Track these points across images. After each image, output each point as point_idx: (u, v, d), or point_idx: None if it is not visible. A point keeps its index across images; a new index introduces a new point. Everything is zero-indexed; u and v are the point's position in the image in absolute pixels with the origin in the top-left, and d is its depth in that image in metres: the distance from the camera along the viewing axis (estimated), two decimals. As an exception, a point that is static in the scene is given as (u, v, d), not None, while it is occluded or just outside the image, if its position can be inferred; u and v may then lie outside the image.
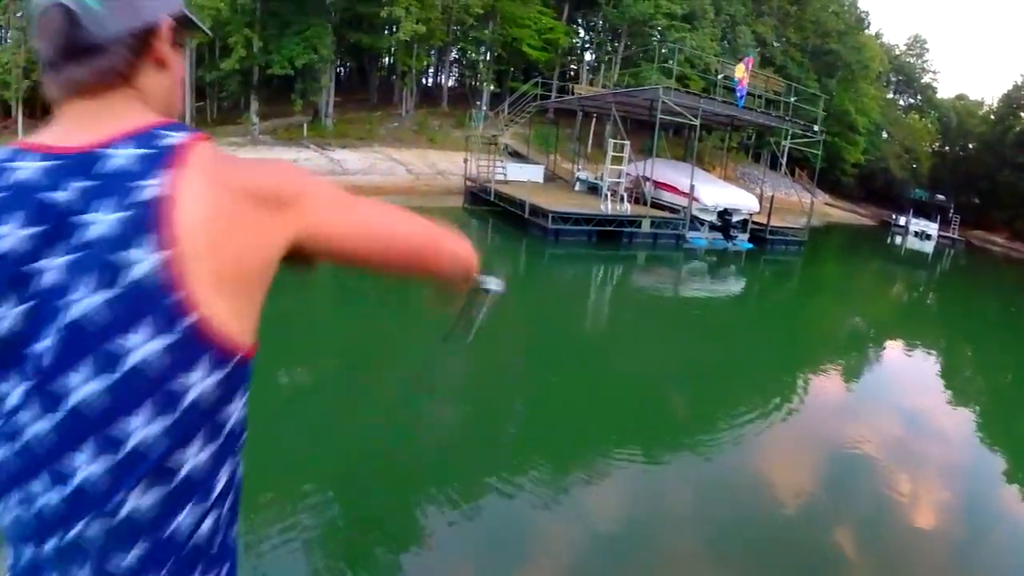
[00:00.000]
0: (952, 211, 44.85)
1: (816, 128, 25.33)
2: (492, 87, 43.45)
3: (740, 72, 22.41)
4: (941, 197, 46.57)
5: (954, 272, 33.77)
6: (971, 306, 22.75)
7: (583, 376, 9.88)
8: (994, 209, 47.37)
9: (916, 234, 42.94)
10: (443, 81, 47.29)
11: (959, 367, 14.22)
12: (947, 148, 58.45)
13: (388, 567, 4.95)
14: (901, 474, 7.34)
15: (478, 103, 42.45)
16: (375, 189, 28.75)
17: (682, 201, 22.29)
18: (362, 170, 30.19)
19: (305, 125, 35.88)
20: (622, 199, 21.01)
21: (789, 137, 25.30)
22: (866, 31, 53.69)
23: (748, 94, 23.64)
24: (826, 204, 47.09)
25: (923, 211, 45.07)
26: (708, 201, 22.26)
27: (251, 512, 5.22)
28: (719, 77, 24.70)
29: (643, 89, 23.44)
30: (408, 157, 33.20)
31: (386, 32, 40.05)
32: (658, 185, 23.14)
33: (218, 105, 41.59)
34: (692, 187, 21.69)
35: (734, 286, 19.91)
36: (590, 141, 40.65)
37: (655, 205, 22.35)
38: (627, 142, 21.68)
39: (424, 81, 47.23)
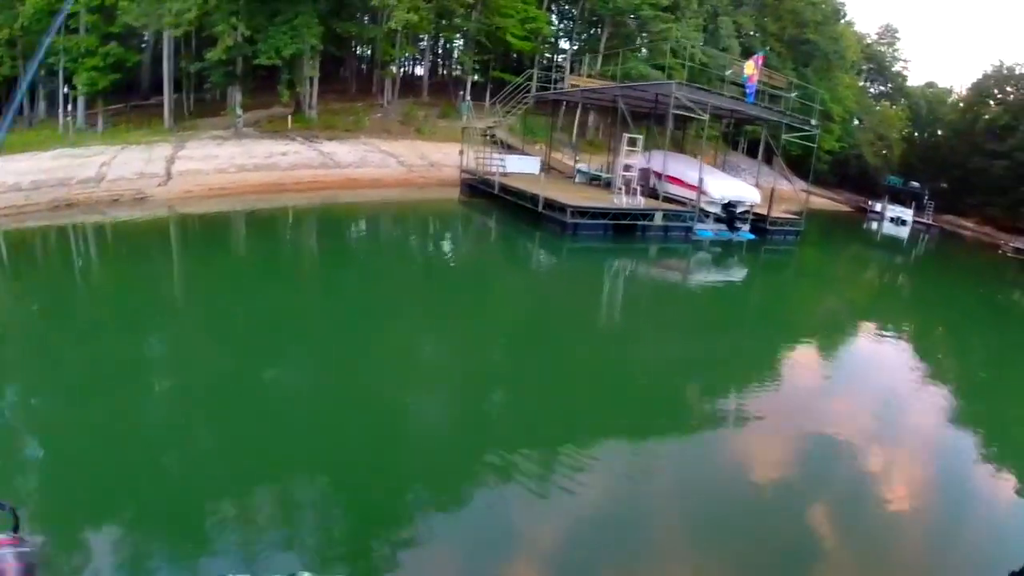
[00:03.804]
0: (927, 197, 45.86)
1: (813, 123, 25.75)
2: (476, 77, 43.07)
3: (751, 69, 22.65)
4: (915, 184, 47.56)
5: (934, 257, 34.99)
6: (951, 291, 23.91)
7: (628, 365, 10.38)
8: (965, 195, 48.59)
9: (892, 220, 44.00)
10: (424, 71, 46.76)
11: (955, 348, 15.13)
12: (917, 135, 59.69)
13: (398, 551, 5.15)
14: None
15: (461, 93, 42.13)
16: (372, 181, 28.45)
17: (689, 194, 22.52)
18: (354, 163, 29.75)
19: (290, 117, 35.21)
20: (635, 192, 21.09)
21: (785, 131, 25.62)
22: (842, 22, 54.47)
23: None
24: (802, 191, 47.68)
25: (897, 198, 46.05)
26: (715, 194, 22.50)
27: (245, 503, 5.50)
28: (727, 72, 24.78)
29: (655, 84, 23.51)
30: (398, 149, 32.80)
31: (371, 21, 39.64)
32: (665, 178, 23.26)
33: (194, 97, 40.59)
34: (701, 180, 21.85)
35: (747, 276, 20.48)
36: (575, 131, 40.74)
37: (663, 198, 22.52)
38: (641, 136, 21.74)
39: (404, 71, 46.59)
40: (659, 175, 23.15)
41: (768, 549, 5.62)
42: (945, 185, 50.07)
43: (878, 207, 45.87)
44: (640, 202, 20.90)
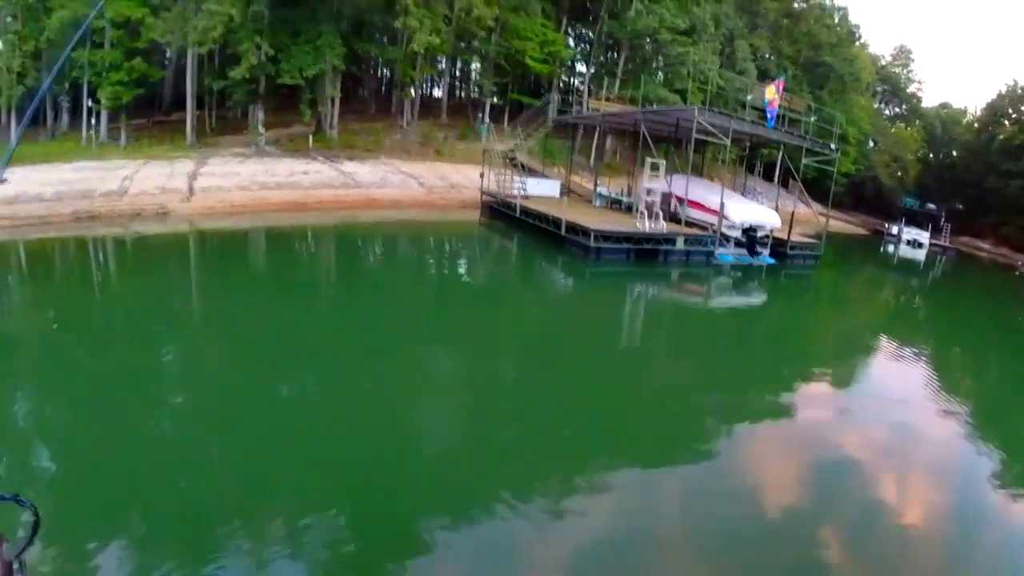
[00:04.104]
0: (943, 219, 45.77)
1: (832, 147, 25.82)
2: (495, 99, 43.43)
3: (771, 94, 22.74)
4: (932, 206, 47.52)
5: (950, 279, 34.96)
6: (968, 313, 24.10)
7: (649, 389, 10.50)
8: (980, 215, 48.55)
9: (908, 242, 43.89)
10: (442, 93, 47.16)
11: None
12: (932, 156, 59.70)
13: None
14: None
15: (480, 115, 42.48)
16: (393, 202, 28.67)
17: (710, 218, 22.59)
18: (375, 183, 30.01)
19: (310, 136, 35.59)
20: (657, 217, 21.18)
21: (805, 155, 25.69)
22: (857, 44, 54.69)
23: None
24: (821, 214, 47.68)
25: (914, 220, 45.97)
26: (736, 218, 22.56)
27: (256, 517, 5.56)
28: (748, 98, 24.92)
29: (677, 109, 23.67)
30: (418, 170, 33.10)
31: (389, 42, 40.09)
32: (687, 203, 23.35)
33: (216, 114, 41.05)
34: (722, 205, 21.94)
35: (768, 300, 20.48)
36: (592, 154, 40.93)
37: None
38: (663, 161, 21.86)
39: (423, 92, 47.01)
40: (680, 199, 23.23)
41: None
42: (960, 206, 50.04)
43: (894, 230, 45.74)
44: (663, 227, 20.98)
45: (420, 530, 5.66)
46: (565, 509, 6.22)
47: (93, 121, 35.16)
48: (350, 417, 7.94)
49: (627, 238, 20.12)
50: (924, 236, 44.04)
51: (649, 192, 21.81)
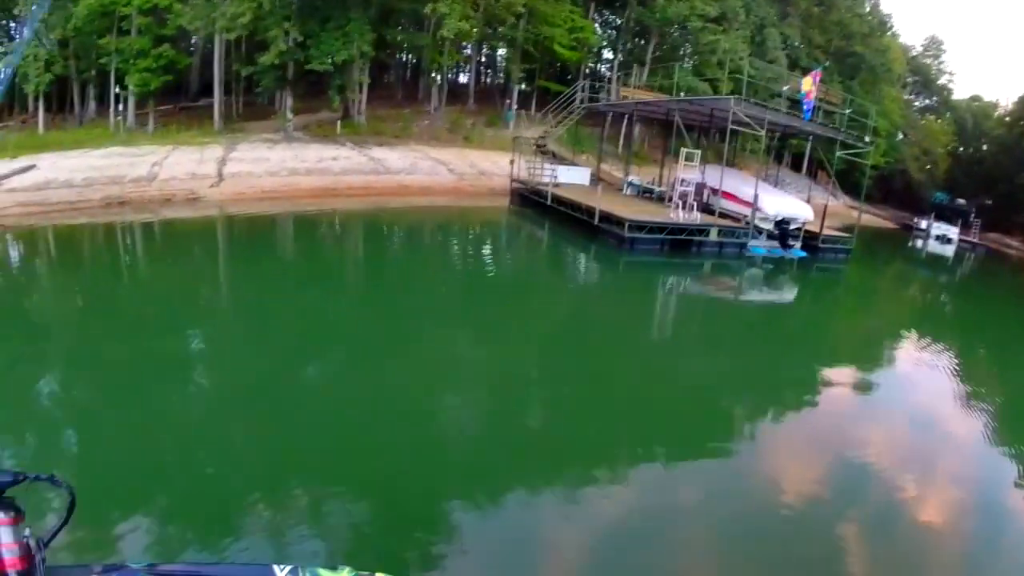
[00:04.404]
0: (973, 215, 45.05)
1: (867, 140, 25.50)
2: (522, 86, 43.22)
3: (808, 85, 22.43)
4: (961, 201, 46.73)
5: (979, 277, 34.41)
6: (998, 312, 23.48)
7: (683, 380, 10.60)
8: (1010, 212, 47.64)
9: (937, 238, 43.18)
10: (469, 79, 46.97)
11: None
12: (962, 150, 58.75)
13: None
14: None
15: (508, 101, 42.31)
16: (423, 189, 28.66)
17: (742, 210, 22.38)
18: (405, 169, 29.99)
19: (339, 122, 35.61)
20: (691, 208, 21.02)
21: (840, 148, 25.41)
22: (889, 34, 53.86)
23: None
24: (850, 207, 47.25)
25: (943, 215, 45.29)
26: (769, 210, 22.33)
27: (281, 500, 5.59)
28: (784, 89, 24.60)
29: (713, 99, 23.43)
30: (447, 156, 33.00)
31: (416, 28, 40.03)
32: (719, 193, 23.15)
33: (243, 100, 41.13)
34: (756, 197, 21.71)
35: (801, 294, 20.37)
36: (620, 143, 40.68)
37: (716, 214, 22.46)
38: (698, 151, 21.67)
39: (449, 78, 46.86)
40: (713, 190, 23.05)
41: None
42: (989, 202, 49.19)
43: (923, 224, 45.03)
44: (697, 217, 20.83)
45: (441, 513, 5.72)
46: (587, 498, 6.25)
47: (121, 107, 35.39)
48: (375, 401, 7.97)
49: (661, 228, 19.97)
50: (953, 232, 43.29)
51: (683, 182, 21.63)
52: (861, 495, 7.04)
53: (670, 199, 22.38)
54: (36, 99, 35.07)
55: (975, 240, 43.78)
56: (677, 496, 6.65)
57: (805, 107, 22.78)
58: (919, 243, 42.46)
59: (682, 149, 22.01)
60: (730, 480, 7.09)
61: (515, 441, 7.50)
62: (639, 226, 19.62)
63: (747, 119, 21.21)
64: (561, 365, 10.58)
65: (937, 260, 37.63)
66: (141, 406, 7.20)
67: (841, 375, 12.07)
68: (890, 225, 49.25)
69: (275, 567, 1.92)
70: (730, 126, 21.05)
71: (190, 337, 10.09)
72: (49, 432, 6.59)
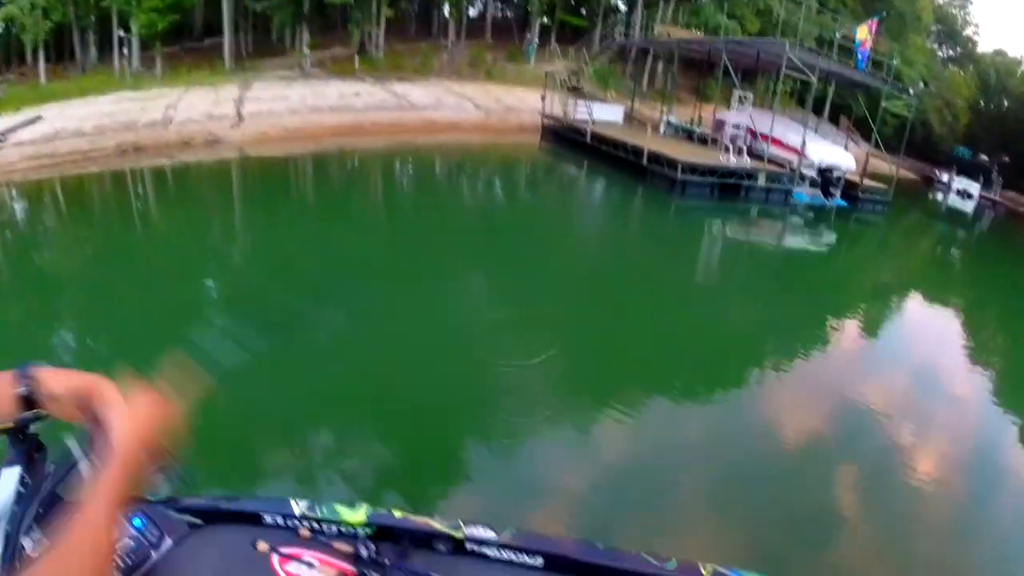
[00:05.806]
0: (996, 172, 44.41)
1: (911, 91, 24.85)
2: (544, 19, 41.82)
3: (863, 34, 21.59)
4: (984, 158, 46.05)
5: (1011, 236, 33.76)
6: None
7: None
8: (1028, 171, 46.95)
9: (958, 192, 42.66)
10: (487, 12, 45.43)
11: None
12: (983, 104, 57.64)
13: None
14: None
15: (528, 35, 40.97)
16: (450, 125, 27.83)
17: (787, 156, 21.79)
18: (430, 105, 29.07)
19: (356, 57, 34.31)
20: (741, 152, 20.39)
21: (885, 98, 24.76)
22: (919, -22, 52.21)
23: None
24: (871, 155, 46.59)
25: (964, 170, 44.65)
26: (814, 158, 21.77)
27: (299, 440, 5.62)
28: (838, 36, 23.60)
29: (764, 41, 22.57)
30: (472, 92, 32.01)
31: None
32: (763, 139, 22.51)
33: (252, 39, 39.46)
34: (803, 143, 21.08)
35: (845, 245, 20.19)
36: (644, 81, 39.58)
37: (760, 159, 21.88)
38: (750, 94, 20.94)
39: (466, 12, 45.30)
40: (757, 135, 22.39)
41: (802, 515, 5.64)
42: (1008, 159, 48.48)
43: (944, 177, 44.43)
44: (747, 162, 20.23)
45: (460, 450, 5.81)
46: (603, 437, 6.37)
47: (124, 52, 33.82)
48: (406, 339, 7.86)
49: (712, 171, 19.36)
50: (975, 188, 42.69)
51: (735, 125, 20.92)
52: (866, 444, 7.04)
53: (714, 141, 21.71)
54: (35, 50, 33.51)
55: (996, 197, 43.20)
56: (684, 434, 6.80)
57: (860, 56, 21.93)
58: (939, 196, 41.93)
59: (734, 91, 21.22)
60: (749, 420, 7.25)
61: (539, 378, 7.31)
62: (691, 168, 18.98)
63: (800, 64, 20.42)
64: (602, 304, 10.52)
65: (959, 216, 37.15)
66: (163, 346, 6.71)
67: (869, 327, 11.98)
68: (911, 175, 48.54)
69: (292, 501, 1.82)
70: (784, 71, 20.22)
71: (210, 279, 10.02)
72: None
